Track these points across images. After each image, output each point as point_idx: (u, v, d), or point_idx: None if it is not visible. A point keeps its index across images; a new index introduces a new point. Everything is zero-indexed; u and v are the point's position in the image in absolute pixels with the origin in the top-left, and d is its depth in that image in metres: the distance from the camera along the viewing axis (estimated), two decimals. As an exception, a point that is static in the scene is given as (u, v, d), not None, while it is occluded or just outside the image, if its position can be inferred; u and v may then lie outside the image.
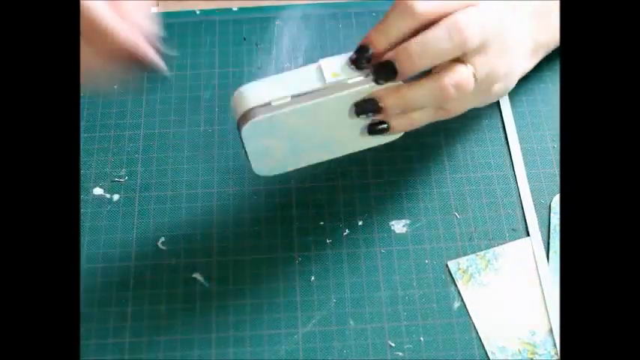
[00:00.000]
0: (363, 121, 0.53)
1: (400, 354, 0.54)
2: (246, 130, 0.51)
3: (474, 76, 0.53)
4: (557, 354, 0.54)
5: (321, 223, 0.59)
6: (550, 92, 0.65)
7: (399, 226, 0.59)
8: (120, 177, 0.61)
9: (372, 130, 0.54)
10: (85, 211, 0.59)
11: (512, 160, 0.62)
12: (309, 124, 0.52)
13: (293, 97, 0.51)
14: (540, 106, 0.64)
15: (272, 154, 0.54)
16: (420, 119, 0.55)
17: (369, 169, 0.61)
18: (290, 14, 0.69)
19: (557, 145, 0.62)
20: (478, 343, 0.54)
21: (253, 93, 0.51)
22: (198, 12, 0.70)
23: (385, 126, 0.54)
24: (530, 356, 0.53)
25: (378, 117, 0.53)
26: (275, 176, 0.60)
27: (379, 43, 0.51)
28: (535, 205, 0.59)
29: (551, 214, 0.59)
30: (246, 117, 0.51)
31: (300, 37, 0.68)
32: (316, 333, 0.54)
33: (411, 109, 0.53)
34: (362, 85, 0.51)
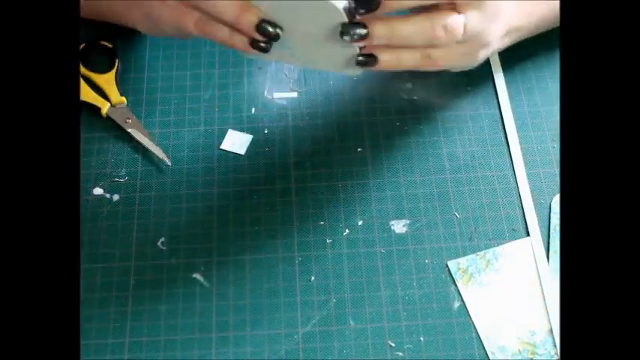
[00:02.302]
0: (346, 48, 0.52)
1: (400, 354, 0.54)
2: None
3: (465, 27, 0.53)
4: (557, 354, 0.54)
5: (321, 223, 0.59)
6: (550, 92, 0.65)
7: (399, 226, 0.59)
8: (120, 177, 0.61)
9: (360, 61, 0.54)
10: (85, 211, 0.59)
11: (512, 160, 0.62)
12: (292, 25, 0.52)
13: None
14: (540, 106, 0.64)
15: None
16: (407, 60, 0.54)
17: (369, 169, 0.61)
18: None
19: (557, 145, 0.62)
20: (478, 343, 0.54)
21: None
22: (198, 12, 0.70)
23: (372, 59, 0.53)
24: (530, 356, 0.53)
25: (363, 43, 0.52)
26: (275, 176, 0.61)
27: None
28: (535, 205, 0.59)
29: (551, 214, 0.59)
30: None
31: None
32: (316, 333, 0.54)
33: (398, 43, 0.53)
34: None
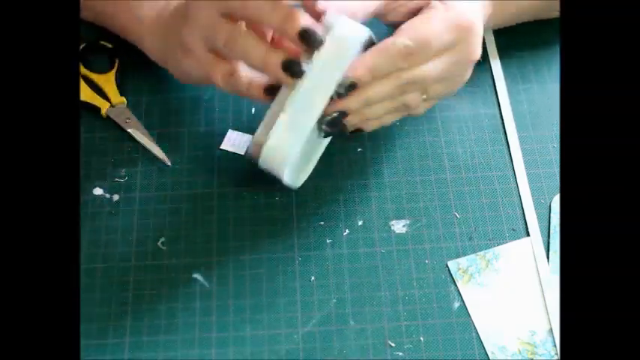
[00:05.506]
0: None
1: (400, 354, 0.54)
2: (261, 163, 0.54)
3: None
4: (557, 354, 0.54)
5: (321, 223, 0.59)
6: (550, 92, 0.65)
7: (399, 226, 0.59)
8: (120, 177, 0.61)
9: (351, 136, 0.57)
10: (85, 211, 0.59)
11: (512, 160, 0.62)
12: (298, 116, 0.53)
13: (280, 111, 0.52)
14: (540, 106, 0.64)
15: (294, 163, 0.56)
16: (387, 119, 0.56)
17: (370, 169, 0.61)
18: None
19: (557, 145, 0.62)
20: (478, 343, 0.54)
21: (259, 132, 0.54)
22: (198, 12, 0.70)
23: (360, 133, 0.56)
24: (530, 356, 0.53)
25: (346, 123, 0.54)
26: (275, 176, 0.61)
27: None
28: (535, 205, 0.59)
29: (551, 214, 0.59)
30: (254, 152, 0.54)
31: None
32: (316, 333, 0.54)
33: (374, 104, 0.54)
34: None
